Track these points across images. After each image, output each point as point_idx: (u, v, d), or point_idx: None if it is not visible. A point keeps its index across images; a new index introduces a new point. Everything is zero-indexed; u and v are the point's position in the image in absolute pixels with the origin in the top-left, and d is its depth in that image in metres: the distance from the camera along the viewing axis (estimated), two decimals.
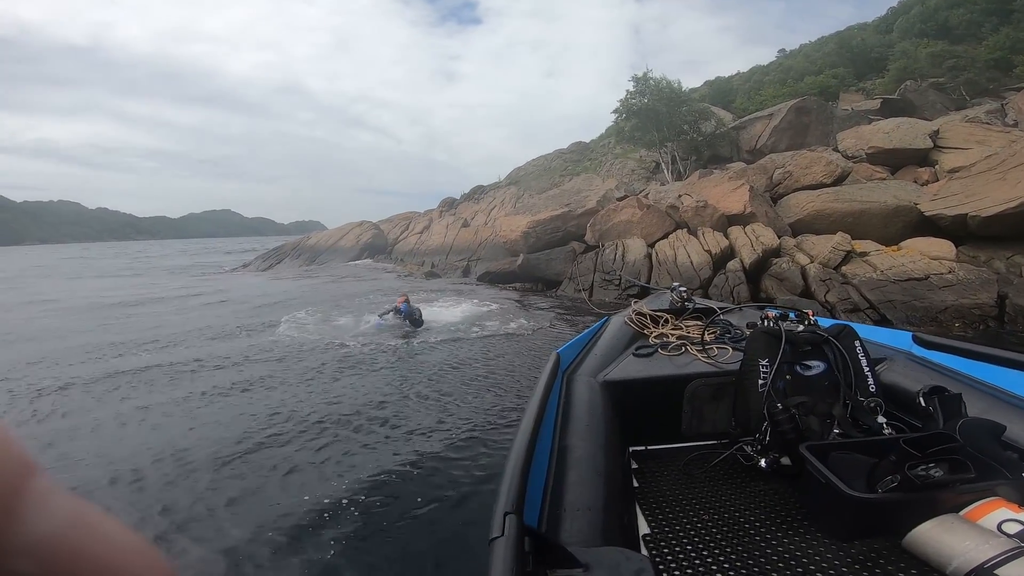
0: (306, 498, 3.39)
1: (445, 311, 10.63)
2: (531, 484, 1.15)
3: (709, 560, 1.42)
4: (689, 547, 1.49)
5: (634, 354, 2.40)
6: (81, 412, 5.41)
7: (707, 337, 2.41)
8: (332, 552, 2.89)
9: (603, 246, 13.98)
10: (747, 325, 2.43)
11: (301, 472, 3.78)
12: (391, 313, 9.20)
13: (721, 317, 2.73)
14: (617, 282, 12.10)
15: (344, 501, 3.34)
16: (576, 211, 16.84)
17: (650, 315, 2.83)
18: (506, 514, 0.95)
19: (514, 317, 10.06)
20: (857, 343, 1.85)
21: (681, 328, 2.70)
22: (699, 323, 2.75)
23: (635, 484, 1.85)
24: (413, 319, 9.08)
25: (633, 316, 2.84)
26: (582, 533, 1.16)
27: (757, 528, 1.54)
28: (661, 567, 1.38)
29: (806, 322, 1.99)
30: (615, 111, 26.47)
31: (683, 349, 2.41)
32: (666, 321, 2.79)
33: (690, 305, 3.07)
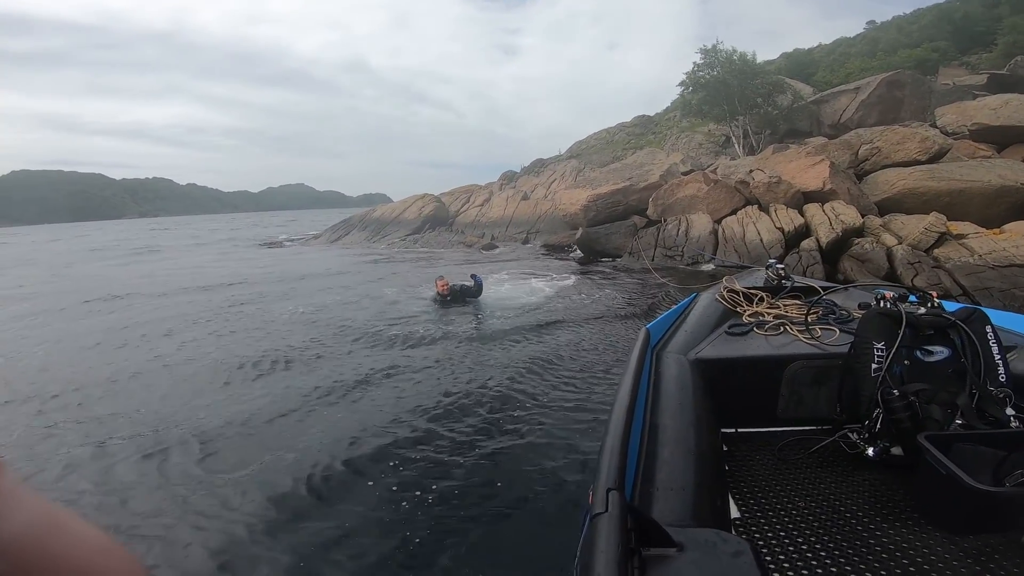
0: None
1: (507, 284, 10.80)
2: (630, 457, 1.15)
3: (805, 548, 1.36)
4: (783, 534, 1.43)
5: (727, 332, 2.31)
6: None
7: (809, 318, 2.27)
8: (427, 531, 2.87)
9: (665, 221, 13.66)
10: (858, 306, 2.26)
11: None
12: (435, 301, 8.53)
13: (825, 297, 2.57)
14: (679, 257, 11.83)
15: (461, 483, 3.31)
16: (638, 185, 16.46)
17: (744, 292, 2.71)
18: (609, 490, 0.94)
19: (577, 290, 10.10)
20: (988, 328, 1.70)
21: (778, 307, 2.55)
22: (798, 303, 2.61)
23: (725, 467, 1.79)
24: (467, 292, 8.58)
25: (725, 294, 2.72)
26: (674, 513, 1.14)
27: (860, 518, 1.47)
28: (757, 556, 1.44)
29: (929, 304, 1.85)
30: (681, 84, 25.50)
31: (781, 329, 2.28)
32: (761, 299, 2.65)
33: (788, 284, 2.89)
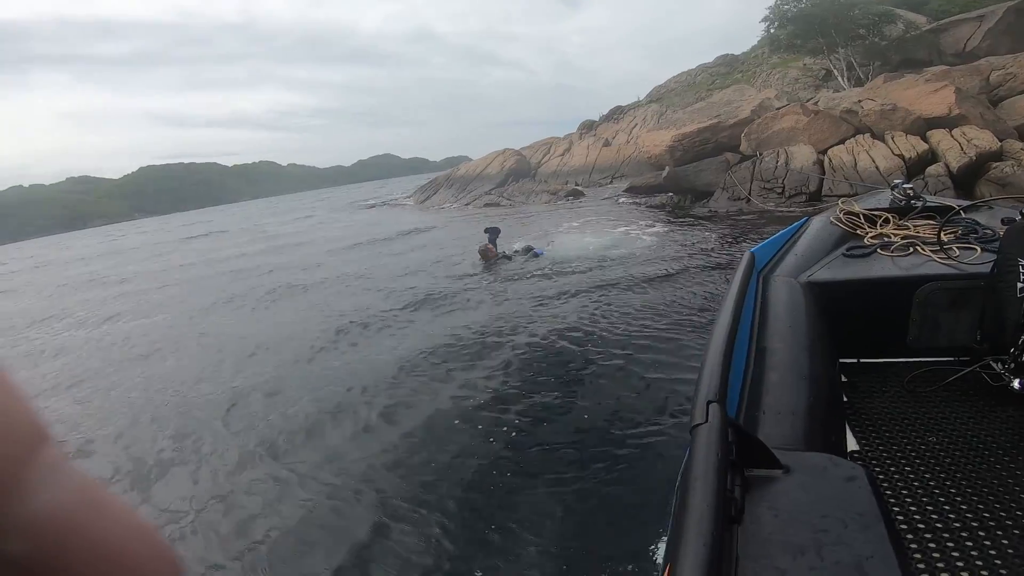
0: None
1: (593, 228, 11.14)
2: (730, 381, 1.06)
3: (933, 484, 1.26)
4: (908, 469, 1.34)
5: (845, 255, 2.12)
6: None
7: (944, 237, 2.00)
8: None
9: (761, 154, 13.37)
10: (1002, 221, 2.05)
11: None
12: (488, 260, 8.52)
13: (964, 216, 2.25)
14: (780, 190, 11.72)
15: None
16: (727, 122, 15.99)
17: (865, 214, 2.45)
18: (709, 402, 0.88)
19: (667, 229, 10.34)
20: None
21: (908, 228, 2.28)
22: (931, 223, 2.29)
23: (844, 399, 1.67)
24: (525, 250, 8.67)
25: (843, 216, 2.47)
26: (783, 437, 1.06)
27: (999, 456, 1.34)
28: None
29: None
30: (764, 20, 23.97)
31: (911, 250, 2.03)
32: (887, 221, 2.38)
33: (918, 204, 2.57)
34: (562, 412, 3.71)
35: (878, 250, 2.10)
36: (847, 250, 2.15)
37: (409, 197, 28.87)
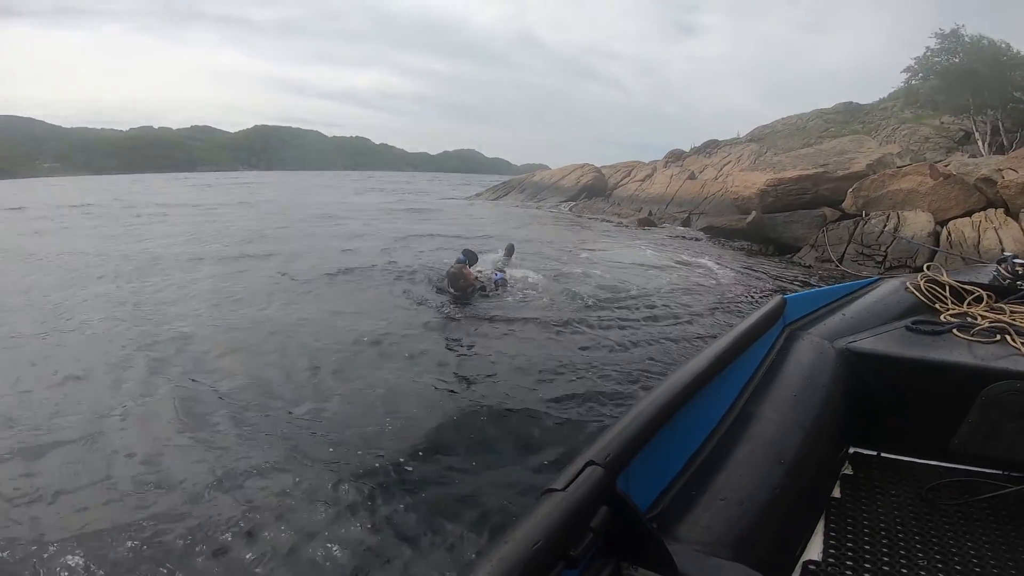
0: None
1: (663, 259, 10.18)
2: (668, 443, 0.85)
3: None
4: None
5: (908, 328, 1.79)
6: None
7: None
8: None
9: (867, 215, 11.61)
10: None
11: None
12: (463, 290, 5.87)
13: None
14: (880, 258, 10.00)
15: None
16: (834, 173, 14.20)
17: (952, 286, 2.06)
18: (588, 464, 0.68)
19: (743, 276, 9.12)
20: None
21: (1003, 312, 1.90)
22: None
23: (836, 494, 1.40)
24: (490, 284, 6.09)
25: (922, 283, 2.09)
26: (713, 533, 0.85)
27: None
28: None
29: None
30: (906, 70, 21.74)
31: (998, 337, 1.69)
32: (979, 299, 2.01)
33: None
34: None
35: (954, 330, 1.74)
36: (913, 323, 1.82)
37: (481, 195, 28.82)
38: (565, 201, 22.81)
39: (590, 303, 6.01)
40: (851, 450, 1.57)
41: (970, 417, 1.47)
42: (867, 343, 1.66)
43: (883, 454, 1.60)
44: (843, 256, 10.73)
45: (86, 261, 8.92)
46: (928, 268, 2.29)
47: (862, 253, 10.45)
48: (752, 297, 7.53)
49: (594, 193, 23.29)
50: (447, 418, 3.33)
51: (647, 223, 17.29)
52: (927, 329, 1.75)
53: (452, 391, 3.79)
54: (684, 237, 15.12)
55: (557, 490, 0.65)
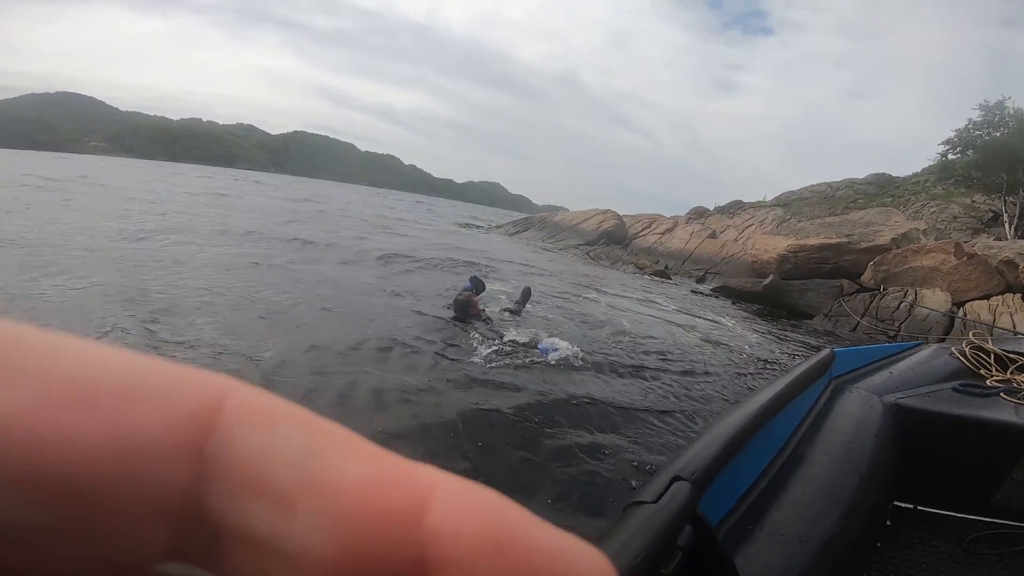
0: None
1: (681, 313, 10.07)
2: (729, 474, 0.86)
3: None
4: None
5: (955, 390, 1.85)
6: None
7: None
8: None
9: (884, 289, 11.39)
10: None
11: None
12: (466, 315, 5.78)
13: None
14: (893, 332, 9.74)
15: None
16: (858, 244, 14.08)
17: (997, 354, 2.12)
18: (675, 479, 0.68)
19: (761, 337, 8.94)
20: None
21: None
22: None
23: (877, 544, 1.43)
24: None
25: (967, 350, 2.15)
26: (776, 568, 0.88)
27: None
28: None
29: None
30: (945, 142, 21.34)
31: None
32: (1023, 367, 2.06)
33: None
34: None
35: (1001, 394, 1.78)
36: (961, 385, 1.87)
37: (500, 228, 29.18)
38: (583, 244, 22.94)
39: (616, 357, 5.76)
40: (894, 503, 1.61)
41: (1015, 474, 1.55)
42: (916, 400, 1.72)
43: (922, 507, 1.64)
44: (856, 327, 10.49)
45: None
46: (973, 334, 2.39)
47: (876, 326, 10.21)
48: (774, 357, 7.45)
49: (613, 240, 23.38)
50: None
51: (662, 275, 17.24)
52: (975, 391, 1.81)
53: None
54: (699, 293, 14.98)
55: (646, 502, 0.65)
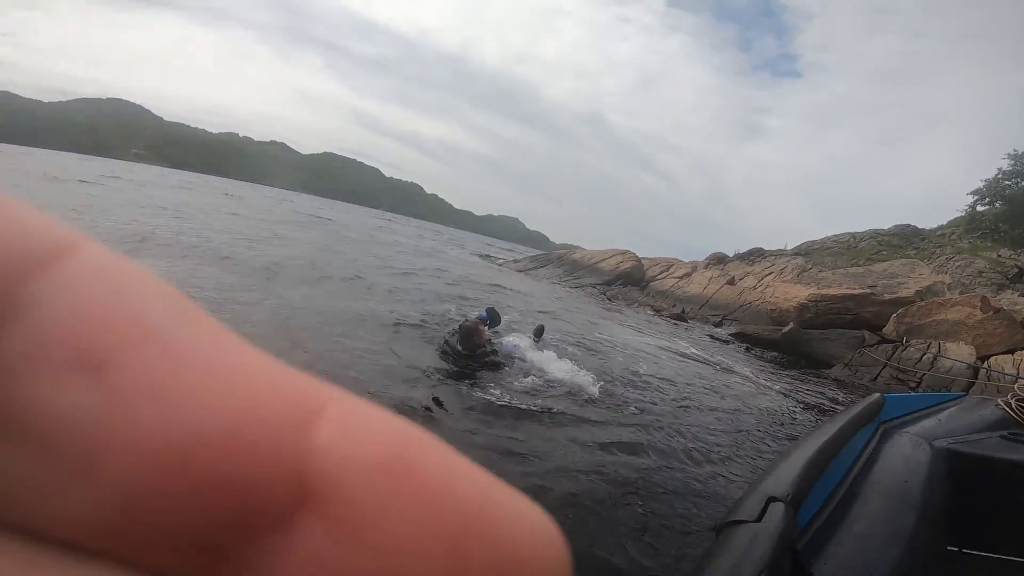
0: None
1: (699, 356, 10.04)
2: (806, 500, 0.91)
3: None
4: None
5: (1003, 438, 1.91)
6: None
7: None
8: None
9: (907, 341, 11.19)
10: None
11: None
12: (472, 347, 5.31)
13: None
14: (914, 384, 9.52)
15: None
16: (881, 295, 13.94)
17: None
18: (771, 499, 0.71)
19: (782, 386, 8.83)
20: None
21: None
22: None
23: None
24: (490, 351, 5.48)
25: (1013, 402, 2.21)
26: None
27: None
28: None
29: None
30: (974, 192, 21.05)
31: None
32: None
33: None
34: None
35: None
36: (1010, 434, 1.92)
37: (517, 262, 29.25)
38: (601, 284, 23.02)
39: (632, 393, 5.74)
40: (948, 548, 1.61)
41: None
42: (966, 446, 1.75)
43: (977, 551, 1.64)
44: (877, 377, 10.28)
45: None
46: (1019, 387, 2.45)
47: (896, 378, 10.00)
48: (807, 401, 7.39)
49: (630, 281, 23.43)
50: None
51: (679, 317, 17.19)
52: (1022, 439, 1.86)
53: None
54: (715, 338, 14.86)
55: (747, 522, 0.66)
